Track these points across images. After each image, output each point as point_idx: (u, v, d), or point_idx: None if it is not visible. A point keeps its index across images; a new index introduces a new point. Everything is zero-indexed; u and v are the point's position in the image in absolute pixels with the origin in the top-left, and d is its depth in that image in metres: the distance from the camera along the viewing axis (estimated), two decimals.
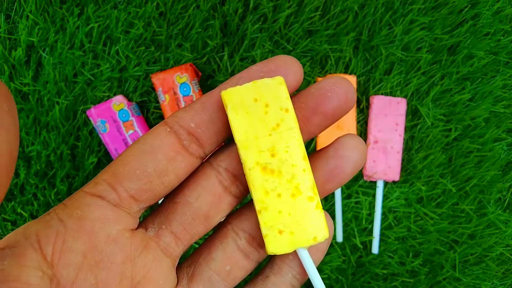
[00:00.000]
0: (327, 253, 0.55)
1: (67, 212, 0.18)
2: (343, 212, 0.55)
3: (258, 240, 0.21)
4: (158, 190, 0.19)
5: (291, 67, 0.19)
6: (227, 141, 0.21)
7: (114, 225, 0.18)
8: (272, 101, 0.20)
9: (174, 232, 0.20)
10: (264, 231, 0.21)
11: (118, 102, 0.48)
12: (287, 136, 0.21)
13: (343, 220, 0.55)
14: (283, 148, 0.21)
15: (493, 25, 0.55)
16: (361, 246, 0.55)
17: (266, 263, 0.22)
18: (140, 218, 0.20)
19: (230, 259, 0.21)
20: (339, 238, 0.55)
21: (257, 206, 0.21)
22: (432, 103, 0.53)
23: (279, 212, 0.22)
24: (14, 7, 0.50)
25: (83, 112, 0.49)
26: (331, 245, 0.56)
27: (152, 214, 0.21)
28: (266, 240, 0.21)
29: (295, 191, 0.21)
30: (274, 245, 0.21)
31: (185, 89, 0.46)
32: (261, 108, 0.21)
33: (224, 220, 0.22)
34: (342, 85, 0.19)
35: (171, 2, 0.50)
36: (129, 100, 0.50)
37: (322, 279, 0.55)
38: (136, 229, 0.19)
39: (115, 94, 0.49)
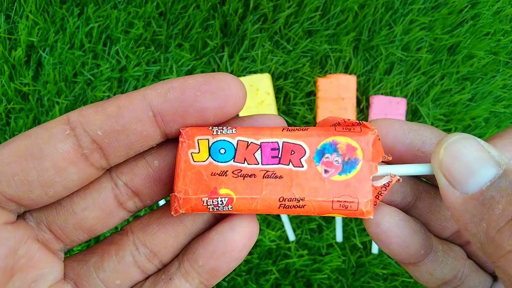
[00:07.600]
0: (327, 253, 0.55)
1: None
2: None
3: (160, 257, 0.19)
4: (41, 200, 0.17)
5: (232, 94, 0.17)
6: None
7: None
8: (260, 87, 0.48)
9: (53, 232, 0.18)
10: None
11: None
12: (267, 108, 0.48)
13: (343, 220, 0.55)
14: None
15: (493, 25, 0.55)
16: (361, 246, 0.55)
17: (171, 260, 0.20)
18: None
19: (123, 274, 0.19)
20: (339, 238, 0.55)
21: None
22: (432, 103, 0.53)
23: None
24: (14, 7, 0.50)
25: None
26: (331, 245, 0.56)
27: None
28: None
29: None
30: None
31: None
32: (254, 90, 0.48)
33: (125, 225, 0.20)
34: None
35: (171, 2, 0.50)
36: None
37: (322, 279, 0.55)
38: (16, 220, 0.18)
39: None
